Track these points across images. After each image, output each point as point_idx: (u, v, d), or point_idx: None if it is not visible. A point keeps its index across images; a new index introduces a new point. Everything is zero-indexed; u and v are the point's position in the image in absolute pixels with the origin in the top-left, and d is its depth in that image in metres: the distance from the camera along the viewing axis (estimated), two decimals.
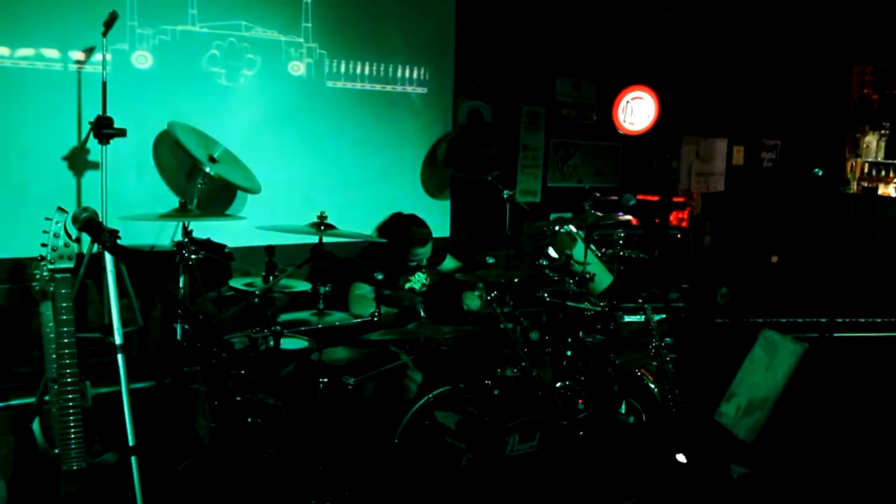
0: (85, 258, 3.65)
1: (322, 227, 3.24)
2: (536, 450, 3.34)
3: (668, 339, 3.99)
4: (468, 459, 3.21)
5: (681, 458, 3.59)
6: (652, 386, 4.25)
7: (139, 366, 4.02)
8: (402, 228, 4.34)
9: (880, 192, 7.20)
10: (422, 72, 5.07)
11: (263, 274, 3.40)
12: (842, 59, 7.15)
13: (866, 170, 7.40)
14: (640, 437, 3.99)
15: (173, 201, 3.99)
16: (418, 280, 4.49)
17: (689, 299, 4.94)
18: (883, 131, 7.31)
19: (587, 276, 3.85)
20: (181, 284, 3.69)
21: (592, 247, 4.24)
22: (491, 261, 3.58)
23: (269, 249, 3.41)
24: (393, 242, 4.29)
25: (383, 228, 4.49)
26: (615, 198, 5.21)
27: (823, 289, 5.07)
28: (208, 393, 3.49)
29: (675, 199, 6.14)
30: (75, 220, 2.44)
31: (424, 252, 4.37)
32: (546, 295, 3.78)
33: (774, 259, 6.23)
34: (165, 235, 4.21)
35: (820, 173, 3.69)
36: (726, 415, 2.91)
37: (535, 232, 5.63)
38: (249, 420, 3.25)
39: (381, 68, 4.91)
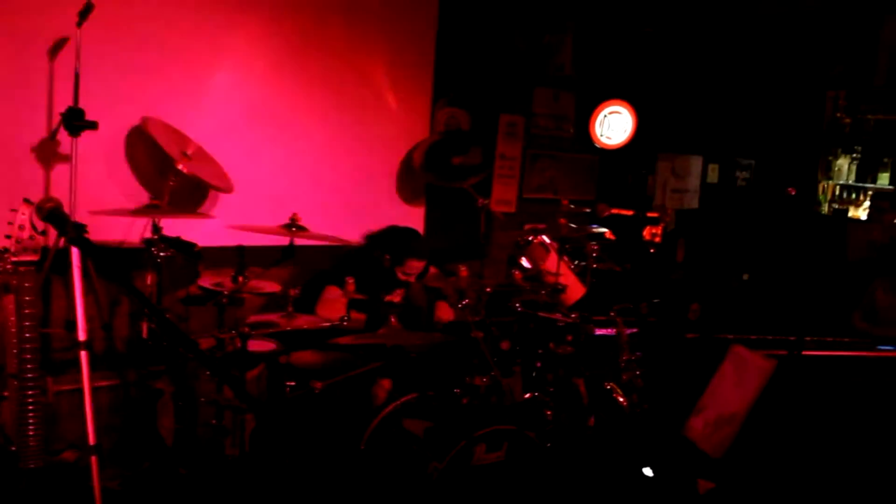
0: (51, 252, 3.58)
1: (293, 229, 3.20)
2: (504, 460, 3.33)
3: (636, 353, 4.01)
4: (434, 468, 3.19)
5: (647, 471, 3.59)
6: (621, 399, 4.26)
7: (103, 363, 3.95)
8: (401, 240, 4.34)
9: (850, 214, 7.29)
10: (400, 76, 5.05)
11: (233, 274, 3.35)
12: (816, 83, 7.25)
13: (837, 192, 7.49)
14: (607, 450, 3.99)
15: (144, 198, 3.94)
16: (399, 293, 4.48)
17: (660, 314, 4.97)
18: (854, 155, 7.41)
19: (559, 287, 3.85)
20: (149, 282, 3.63)
21: (565, 258, 4.24)
22: (463, 269, 3.57)
23: (240, 249, 3.37)
24: (388, 252, 4.28)
25: (378, 238, 4.47)
26: (589, 210, 5.23)
27: (792, 307, 5.12)
28: (173, 393, 3.44)
29: (649, 214, 6.17)
30: (39, 210, 2.38)
31: (418, 267, 4.35)
32: (518, 305, 3.77)
33: (745, 277, 6.29)
34: (134, 232, 4.14)
35: (794, 193, 3.73)
36: (694, 429, 2.91)
37: (508, 241, 5.64)
38: (214, 422, 3.20)
39: (360, 72, 4.89)
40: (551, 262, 4.03)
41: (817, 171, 7.55)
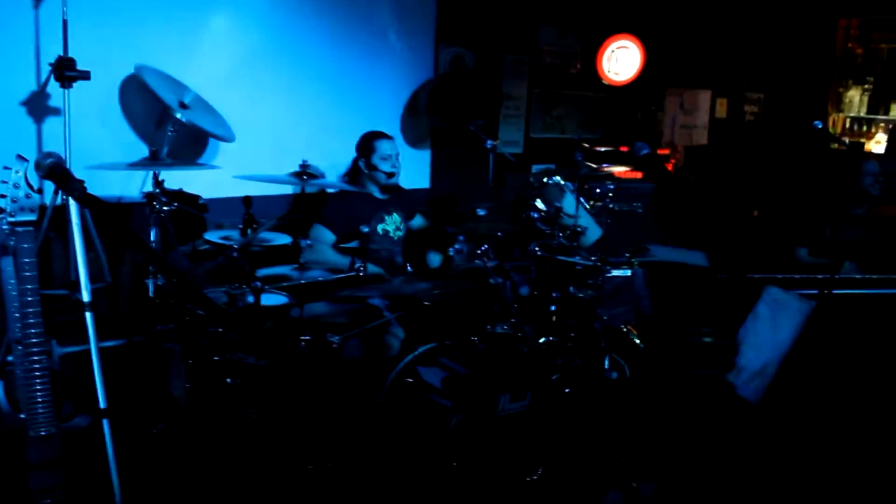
0: (48, 210, 3.42)
1: (305, 178, 3.04)
2: (528, 408, 3.24)
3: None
4: (457, 420, 3.10)
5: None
6: (637, 341, 4.17)
7: (108, 323, 3.83)
8: (363, 138, 4.23)
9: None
10: (403, 15, 4.84)
11: (241, 227, 3.20)
12: (827, 11, 7.02)
13: (848, 125, 7.31)
14: (624, 393, 3.91)
15: (142, 150, 3.77)
16: (392, 222, 4.30)
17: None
18: (866, 86, 7.21)
19: (578, 229, 3.71)
20: (152, 238, 3.48)
21: (581, 199, 4.09)
22: (481, 213, 3.42)
23: (247, 200, 3.22)
24: (359, 152, 4.20)
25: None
26: (604, 149, 5.07)
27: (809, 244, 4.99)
28: (183, 352, 3.32)
29: (660, 152, 6.01)
30: (38, 167, 2.21)
31: (393, 149, 4.19)
32: (537, 249, 3.63)
33: (755, 213, 6.16)
34: (134, 186, 3.98)
35: (820, 125, 3.56)
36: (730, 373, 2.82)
37: (518, 183, 5.49)
38: (228, 381, 3.09)
39: (362, 12, 4.67)
40: (568, 204, 3.89)
41: (828, 103, 7.36)
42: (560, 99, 5.82)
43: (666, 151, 6.02)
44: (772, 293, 2.68)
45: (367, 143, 4.21)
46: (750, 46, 7.06)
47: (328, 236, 4.01)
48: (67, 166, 3.33)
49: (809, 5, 6.84)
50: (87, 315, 3.00)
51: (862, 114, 7.17)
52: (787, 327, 2.58)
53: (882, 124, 7.03)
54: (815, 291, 3.23)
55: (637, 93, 6.19)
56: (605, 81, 5.97)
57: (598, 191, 4.18)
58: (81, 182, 2.55)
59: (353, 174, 4.35)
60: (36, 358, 2.77)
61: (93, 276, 3.55)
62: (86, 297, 3.12)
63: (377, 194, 4.22)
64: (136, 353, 3.64)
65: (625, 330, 4.20)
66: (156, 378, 3.45)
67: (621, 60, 5.93)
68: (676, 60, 6.37)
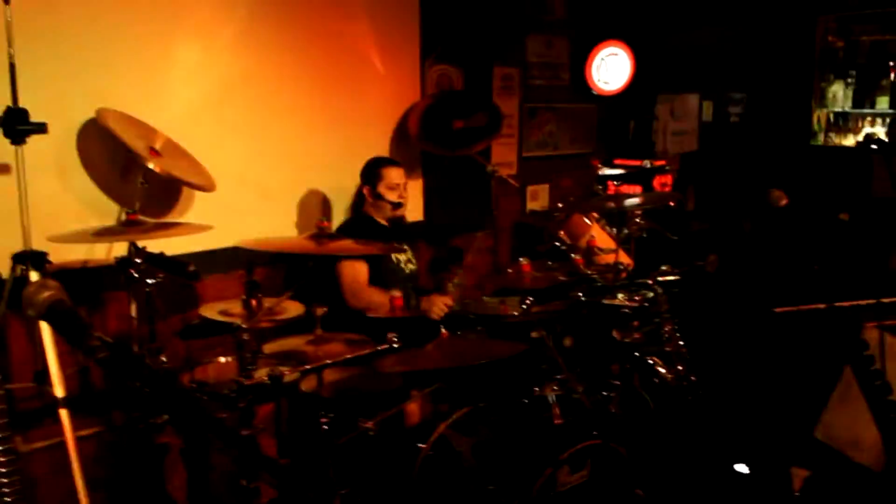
0: (7, 286, 2.89)
1: (323, 240, 2.56)
2: (587, 478, 2.84)
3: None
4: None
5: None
6: (663, 371, 3.80)
7: (80, 405, 3.28)
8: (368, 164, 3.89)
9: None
10: (385, 33, 4.37)
11: (243, 298, 2.71)
12: (808, 9, 6.80)
13: (832, 120, 7.09)
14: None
15: (108, 206, 3.25)
16: (405, 254, 3.90)
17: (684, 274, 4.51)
18: (848, 80, 7.01)
19: (621, 266, 3.31)
20: (133, 313, 2.96)
21: (606, 228, 3.70)
22: (523, 261, 2.98)
23: (249, 266, 2.72)
24: (364, 179, 3.90)
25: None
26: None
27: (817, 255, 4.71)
28: (182, 448, 2.81)
29: (656, 163, 5.67)
30: (28, 303, 1.40)
31: (401, 178, 3.86)
32: (581, 294, 3.21)
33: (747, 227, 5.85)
34: (102, 245, 3.43)
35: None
36: (832, 430, 2.42)
37: (512, 209, 5.10)
38: (244, 482, 2.59)
39: (338, 31, 4.19)
40: (600, 236, 3.49)
41: (811, 99, 7.14)
42: (551, 113, 5.42)
43: (662, 162, 5.67)
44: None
45: (373, 170, 3.81)
46: (731, 45, 6.81)
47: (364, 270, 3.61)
48: (23, 237, 2.81)
49: (789, 2, 6.63)
50: (62, 412, 2.51)
51: (847, 108, 6.95)
52: None
53: (869, 118, 6.83)
54: None
55: (628, 102, 5.85)
56: (594, 91, 5.61)
57: (621, 218, 3.81)
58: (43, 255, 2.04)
59: (358, 204, 3.94)
60: (3, 460, 2.25)
61: (59, 353, 3.03)
62: (59, 391, 2.62)
63: (381, 225, 3.84)
64: (123, 448, 3.12)
65: (651, 363, 3.84)
66: (151, 477, 2.93)
67: (611, 68, 5.58)
68: (665, 65, 6.06)
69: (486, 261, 4.81)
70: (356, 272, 3.62)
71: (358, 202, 4.03)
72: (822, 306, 3.17)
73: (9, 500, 2.28)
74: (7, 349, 3.23)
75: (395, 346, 2.56)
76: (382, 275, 3.69)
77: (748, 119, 7.08)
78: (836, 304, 2.95)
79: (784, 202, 3.07)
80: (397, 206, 3.80)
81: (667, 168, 5.60)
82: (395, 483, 2.92)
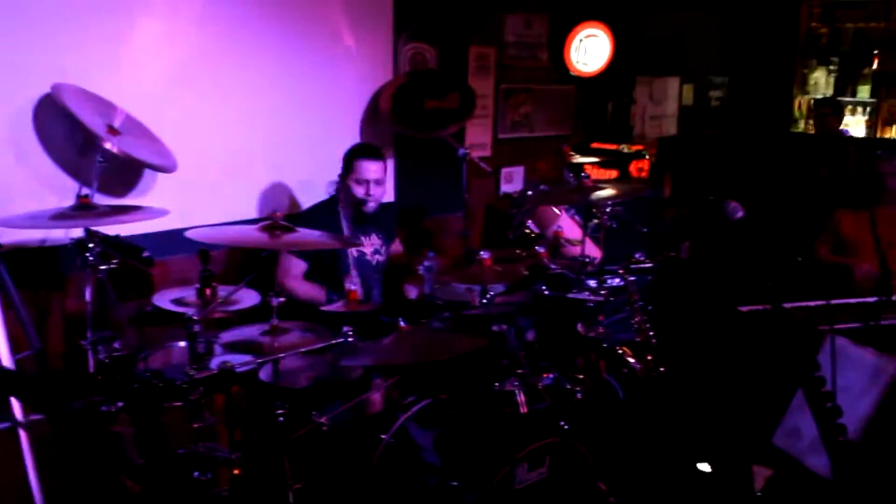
0: None
1: (276, 233, 2.49)
2: (546, 475, 2.81)
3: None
4: (470, 501, 2.64)
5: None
6: (632, 361, 3.78)
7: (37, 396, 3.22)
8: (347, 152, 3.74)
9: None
10: (357, 8, 4.26)
11: (198, 286, 2.65)
12: None
13: (813, 106, 7.07)
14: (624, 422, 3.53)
15: (66, 184, 3.17)
16: (371, 244, 3.80)
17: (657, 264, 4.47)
18: (831, 66, 6.97)
19: (587, 259, 3.26)
20: (87, 298, 2.89)
21: (576, 218, 3.65)
22: (485, 255, 2.92)
23: (203, 255, 2.65)
24: (342, 167, 3.72)
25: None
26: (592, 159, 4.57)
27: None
28: (135, 435, 2.76)
29: (633, 148, 5.61)
30: None
31: (374, 173, 3.65)
32: (544, 288, 3.16)
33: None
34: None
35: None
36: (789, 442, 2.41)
37: (483, 191, 5.03)
38: (197, 474, 2.56)
39: (311, 7, 4.09)
40: (567, 226, 3.44)
41: (793, 85, 7.11)
42: (527, 94, 5.34)
43: (640, 147, 5.61)
44: (838, 347, 2.28)
45: (348, 160, 3.69)
46: (713, 29, 6.74)
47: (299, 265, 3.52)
48: None
49: None
50: (22, 434, 2.47)
51: (828, 96, 6.91)
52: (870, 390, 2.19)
53: (849, 106, 6.80)
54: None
55: (607, 84, 5.77)
56: (573, 73, 5.53)
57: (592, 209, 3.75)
58: None
59: (339, 191, 3.81)
60: None
61: (13, 337, 2.96)
62: (18, 415, 2.58)
63: (348, 218, 3.74)
64: (74, 434, 3.05)
65: (620, 352, 3.82)
66: (103, 467, 2.87)
67: (590, 50, 5.50)
68: (645, 47, 5.98)
69: (458, 244, 4.75)
70: (290, 265, 3.54)
71: (338, 190, 3.89)
72: (768, 307, 3.15)
73: None
74: None
75: (349, 339, 2.51)
76: (339, 266, 3.62)
77: (729, 104, 7.03)
78: (784, 304, 2.92)
79: (740, 214, 3.02)
80: (362, 202, 3.67)
81: (644, 153, 5.54)
82: (352, 475, 2.89)
